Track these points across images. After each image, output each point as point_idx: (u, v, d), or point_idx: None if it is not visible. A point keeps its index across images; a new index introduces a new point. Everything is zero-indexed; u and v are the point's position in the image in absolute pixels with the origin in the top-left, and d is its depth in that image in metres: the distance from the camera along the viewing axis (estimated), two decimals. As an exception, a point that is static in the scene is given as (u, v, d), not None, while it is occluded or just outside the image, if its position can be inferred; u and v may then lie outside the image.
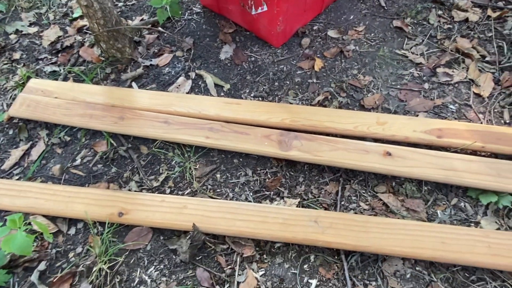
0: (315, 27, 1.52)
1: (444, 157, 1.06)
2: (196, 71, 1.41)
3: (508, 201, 1.01)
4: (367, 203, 1.06)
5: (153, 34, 1.55)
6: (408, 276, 0.94)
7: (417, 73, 1.35)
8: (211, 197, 1.09)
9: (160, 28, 1.53)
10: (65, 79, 1.43)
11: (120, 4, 1.70)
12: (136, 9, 1.67)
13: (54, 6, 1.73)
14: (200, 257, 0.99)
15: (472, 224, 1.01)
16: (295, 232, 0.95)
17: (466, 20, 1.48)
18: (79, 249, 1.01)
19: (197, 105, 1.24)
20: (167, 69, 1.43)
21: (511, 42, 1.39)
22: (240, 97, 1.33)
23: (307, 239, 0.95)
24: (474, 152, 1.12)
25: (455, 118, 1.22)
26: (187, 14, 1.61)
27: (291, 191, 1.10)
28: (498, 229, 0.99)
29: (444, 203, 1.06)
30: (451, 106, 1.25)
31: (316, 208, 1.05)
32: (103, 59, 1.47)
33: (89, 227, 1.03)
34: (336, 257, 0.97)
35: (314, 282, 0.94)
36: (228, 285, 0.94)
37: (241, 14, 1.46)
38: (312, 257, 0.98)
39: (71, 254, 1.00)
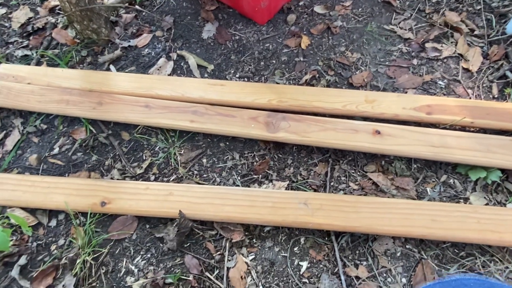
0: (300, 3, 1.46)
1: (433, 134, 1.05)
2: (178, 51, 1.34)
3: (497, 176, 1.01)
4: (357, 183, 1.05)
5: (130, 13, 1.47)
6: (398, 254, 0.94)
7: (406, 49, 1.31)
8: (198, 183, 1.06)
9: (137, 7, 1.44)
10: (38, 63, 1.34)
11: (94, -19, 1.59)
12: (111, -14, 1.57)
13: (22, -15, 1.61)
14: (188, 244, 0.96)
15: (462, 201, 1.01)
16: (285, 215, 0.93)
17: (455, -8, 1.44)
18: (61, 241, 0.97)
19: (179, 88, 1.18)
20: (146, 50, 1.36)
21: (500, 14, 1.36)
22: (225, 78, 1.28)
23: (297, 222, 0.93)
24: (463, 128, 1.11)
25: (444, 94, 1.20)
26: (166, -9, 1.53)
27: (280, 174, 1.07)
28: (487, 204, 1.00)
29: (434, 180, 1.05)
30: (440, 82, 1.23)
31: (305, 190, 1.03)
32: (78, 41, 1.38)
33: (70, 218, 0.99)
34: (326, 239, 0.96)
35: (304, 264, 0.93)
36: (217, 271, 0.92)
37: (223, -10, 1.39)
38: (302, 240, 0.96)
39: (53, 247, 0.96)
